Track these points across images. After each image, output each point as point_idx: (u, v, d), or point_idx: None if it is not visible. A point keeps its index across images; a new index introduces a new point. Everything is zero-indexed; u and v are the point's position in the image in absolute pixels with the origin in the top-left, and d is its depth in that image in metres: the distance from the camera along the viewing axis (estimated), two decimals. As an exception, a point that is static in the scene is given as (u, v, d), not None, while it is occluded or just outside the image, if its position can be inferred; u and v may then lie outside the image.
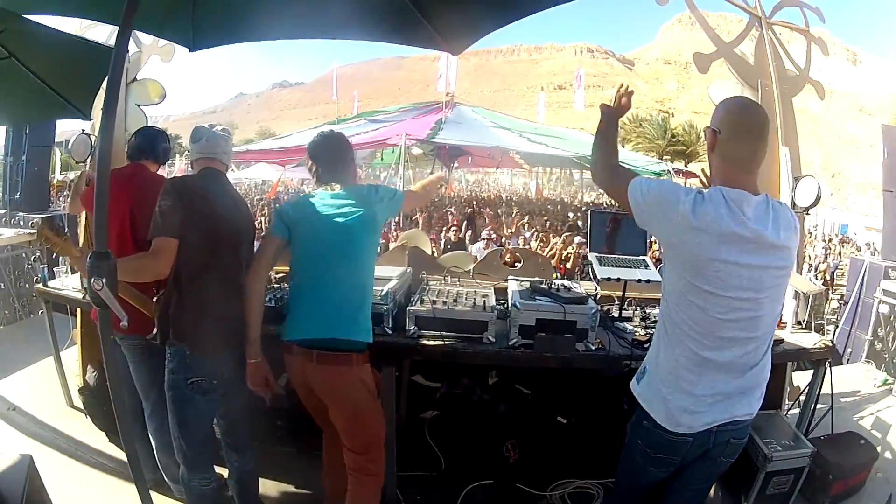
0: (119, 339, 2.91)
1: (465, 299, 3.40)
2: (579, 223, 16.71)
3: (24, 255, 6.56)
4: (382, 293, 3.16)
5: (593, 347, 3.17)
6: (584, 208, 20.95)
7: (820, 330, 3.74)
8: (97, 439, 3.73)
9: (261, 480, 3.21)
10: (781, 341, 3.38)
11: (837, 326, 6.75)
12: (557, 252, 10.41)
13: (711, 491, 3.16)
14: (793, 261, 2.07)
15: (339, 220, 2.64)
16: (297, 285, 2.69)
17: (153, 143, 3.25)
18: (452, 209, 17.85)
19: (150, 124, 3.88)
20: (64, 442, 3.69)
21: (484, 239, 10.85)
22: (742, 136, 1.99)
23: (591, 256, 3.77)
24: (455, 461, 3.75)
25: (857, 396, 4.98)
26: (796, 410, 3.90)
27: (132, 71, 4.39)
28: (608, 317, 3.66)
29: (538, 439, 3.75)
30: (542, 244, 11.47)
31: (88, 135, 4.29)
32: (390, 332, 3.19)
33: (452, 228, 11.38)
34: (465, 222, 12.87)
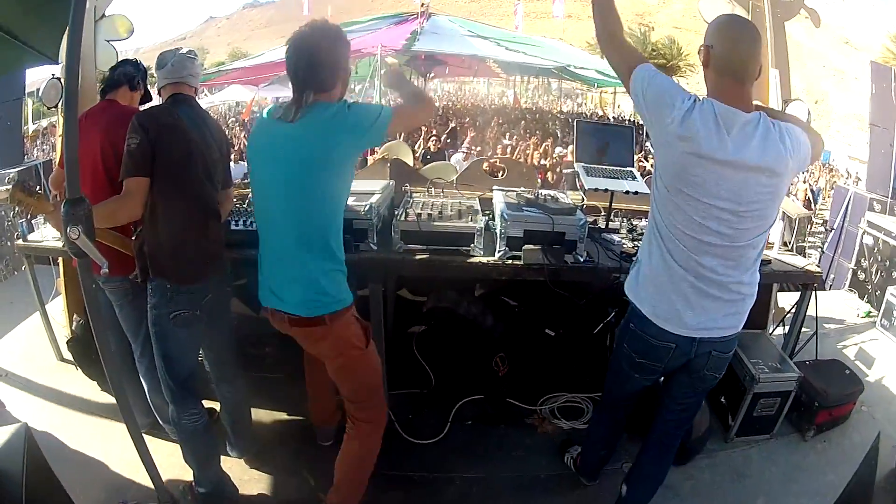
0: (102, 282, 2.80)
1: (451, 210, 3.25)
2: (558, 132, 16.59)
3: (3, 212, 6.17)
4: (366, 208, 2.99)
5: (582, 259, 3.06)
6: (561, 117, 20.73)
7: (802, 252, 3.67)
8: (90, 390, 3.62)
9: (252, 410, 3.15)
10: (769, 262, 3.30)
11: (823, 252, 6.77)
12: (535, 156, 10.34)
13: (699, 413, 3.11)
14: (780, 182, 2.03)
15: (285, 157, 2.14)
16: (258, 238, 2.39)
17: (113, 73, 3.02)
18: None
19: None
20: (58, 399, 3.58)
21: (463, 151, 10.66)
22: (735, 45, 1.99)
23: (578, 166, 3.63)
24: (444, 377, 3.71)
25: (841, 325, 4.98)
26: (780, 332, 3.89)
27: (101, 7, 4.06)
28: (595, 228, 3.55)
29: (526, 353, 3.70)
30: (522, 153, 11.40)
31: (59, 79, 4.00)
32: (375, 247, 3.05)
33: (432, 138, 11.10)
34: (445, 133, 12.63)
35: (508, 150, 12.06)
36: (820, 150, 2.17)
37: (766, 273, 3.22)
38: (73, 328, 3.73)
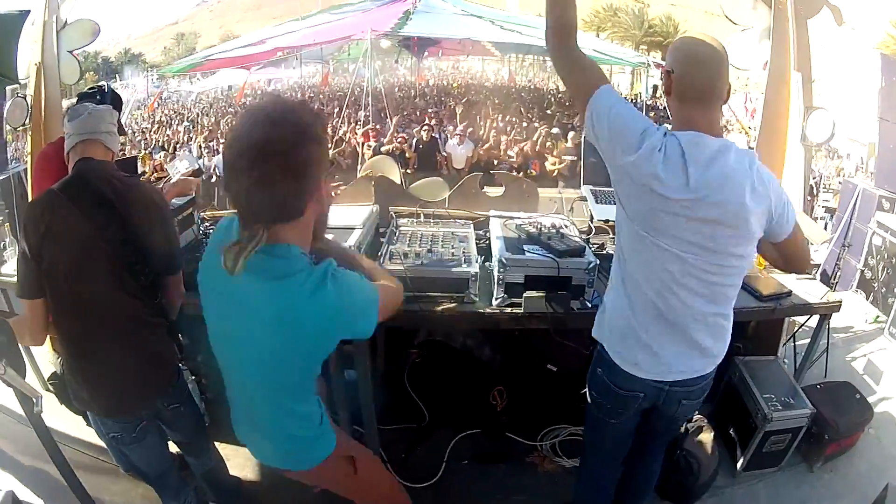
0: None
1: (442, 246, 2.96)
2: (556, 112, 16.32)
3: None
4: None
5: (590, 305, 2.79)
6: (559, 96, 20.42)
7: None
8: (74, 426, 3.32)
9: (234, 447, 2.91)
10: (789, 294, 3.11)
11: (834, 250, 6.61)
12: (532, 147, 10.14)
13: (709, 446, 3.05)
14: (755, 221, 1.83)
15: (246, 325, 1.56)
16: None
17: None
18: (419, 100, 17.37)
19: (86, 72, 3.49)
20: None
21: (457, 135, 10.42)
22: (698, 66, 1.82)
23: (586, 191, 3.45)
24: (440, 411, 3.51)
25: (850, 333, 4.85)
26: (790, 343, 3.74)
27: (62, 16, 3.84)
28: (603, 255, 3.24)
29: (526, 386, 3.50)
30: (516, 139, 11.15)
31: (24, 97, 3.79)
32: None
33: (425, 128, 10.82)
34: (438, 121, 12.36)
35: (504, 135, 11.71)
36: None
37: (786, 308, 3.09)
38: (54, 366, 3.55)
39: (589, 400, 2.26)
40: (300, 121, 1.43)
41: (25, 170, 6.67)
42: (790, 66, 3.65)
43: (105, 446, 2.82)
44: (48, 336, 2.12)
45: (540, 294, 2.70)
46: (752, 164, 1.80)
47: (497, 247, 2.88)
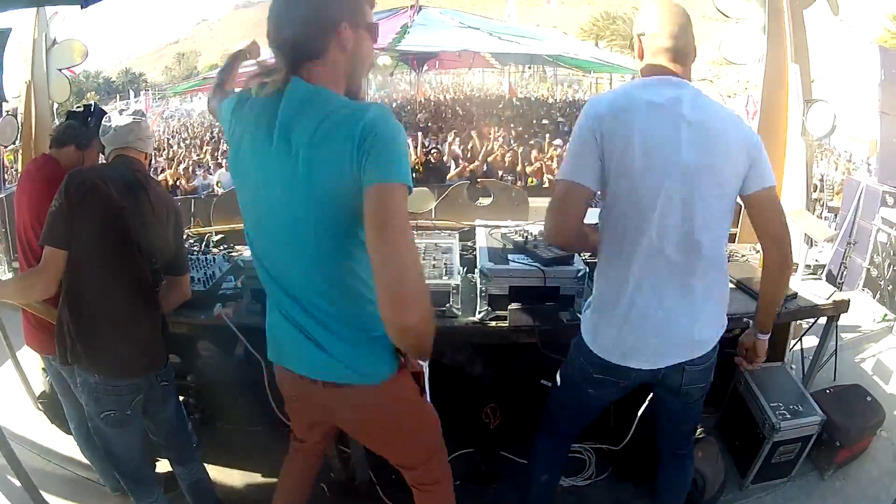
0: (52, 359, 2.55)
1: (423, 259, 2.85)
2: (559, 122, 16.30)
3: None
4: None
5: (580, 317, 2.64)
6: (557, 104, 20.37)
7: (809, 242, 3.38)
8: (68, 445, 3.31)
9: (225, 469, 3.08)
10: (795, 295, 2.99)
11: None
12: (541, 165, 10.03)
13: (715, 460, 2.96)
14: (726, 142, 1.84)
15: (283, 172, 1.46)
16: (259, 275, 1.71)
17: (59, 128, 2.69)
18: (421, 115, 17.32)
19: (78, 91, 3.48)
20: (38, 452, 3.34)
21: (454, 158, 10.30)
22: (669, 25, 1.83)
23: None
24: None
25: (857, 333, 4.73)
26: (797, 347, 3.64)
27: (52, 34, 3.87)
28: (593, 262, 3.14)
29: (520, 402, 3.31)
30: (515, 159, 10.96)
31: (14, 115, 3.87)
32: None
33: (433, 150, 10.72)
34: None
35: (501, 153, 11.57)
36: None
37: (792, 311, 2.97)
38: (43, 385, 3.55)
39: (570, 362, 2.21)
40: None
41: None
42: (787, 58, 3.55)
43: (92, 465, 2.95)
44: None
45: (526, 307, 2.58)
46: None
47: (481, 256, 2.77)
